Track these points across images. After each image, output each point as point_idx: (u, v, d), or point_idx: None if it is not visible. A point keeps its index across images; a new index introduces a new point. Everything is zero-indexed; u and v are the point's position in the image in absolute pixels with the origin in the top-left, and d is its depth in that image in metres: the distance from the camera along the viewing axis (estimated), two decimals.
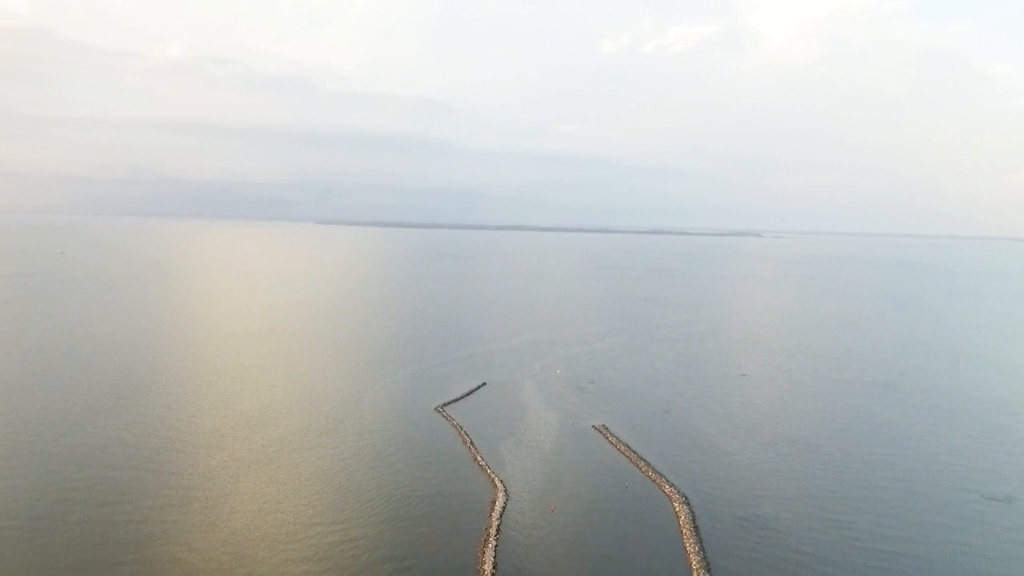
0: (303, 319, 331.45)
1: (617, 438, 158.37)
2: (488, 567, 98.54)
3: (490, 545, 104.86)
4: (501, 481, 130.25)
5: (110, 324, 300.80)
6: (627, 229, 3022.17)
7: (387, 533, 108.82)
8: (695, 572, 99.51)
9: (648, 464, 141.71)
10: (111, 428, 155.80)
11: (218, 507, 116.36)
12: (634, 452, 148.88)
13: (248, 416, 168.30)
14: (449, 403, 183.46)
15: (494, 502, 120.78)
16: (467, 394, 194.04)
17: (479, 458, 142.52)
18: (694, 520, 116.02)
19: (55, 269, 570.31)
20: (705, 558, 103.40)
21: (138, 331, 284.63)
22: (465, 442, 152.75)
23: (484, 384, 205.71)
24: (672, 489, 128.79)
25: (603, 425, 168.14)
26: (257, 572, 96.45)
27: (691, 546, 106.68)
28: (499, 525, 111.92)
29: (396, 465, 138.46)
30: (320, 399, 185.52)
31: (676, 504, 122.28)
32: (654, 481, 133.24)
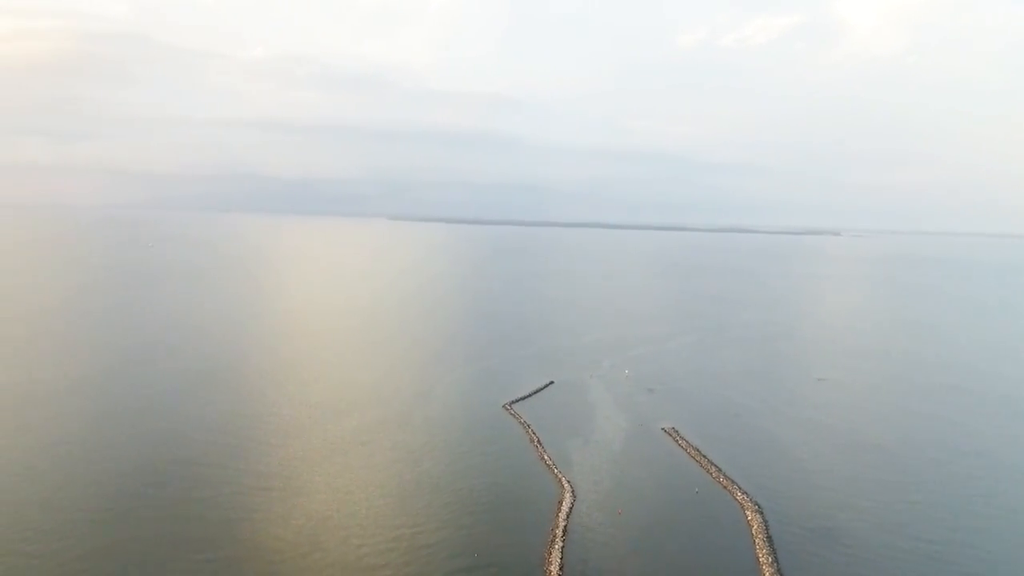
0: (375, 313, 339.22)
1: (687, 441, 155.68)
2: (555, 567, 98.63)
3: (556, 545, 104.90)
4: (568, 481, 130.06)
5: (196, 314, 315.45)
6: (698, 226, 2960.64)
7: (454, 527, 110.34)
8: None
9: (719, 469, 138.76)
10: (197, 414, 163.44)
11: (295, 495, 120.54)
12: (704, 457, 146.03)
13: (323, 407, 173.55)
14: (517, 401, 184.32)
15: (561, 502, 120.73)
16: (534, 392, 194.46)
17: (546, 457, 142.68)
18: (767, 529, 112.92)
19: (145, 261, 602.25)
20: (779, 570, 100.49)
21: (221, 322, 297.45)
22: (532, 440, 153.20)
23: (552, 383, 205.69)
24: (744, 496, 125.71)
25: (672, 428, 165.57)
26: (331, 560, 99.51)
27: (764, 557, 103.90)
28: (566, 526, 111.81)
29: (464, 461, 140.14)
30: (391, 392, 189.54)
31: (748, 512, 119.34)
32: (725, 487, 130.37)
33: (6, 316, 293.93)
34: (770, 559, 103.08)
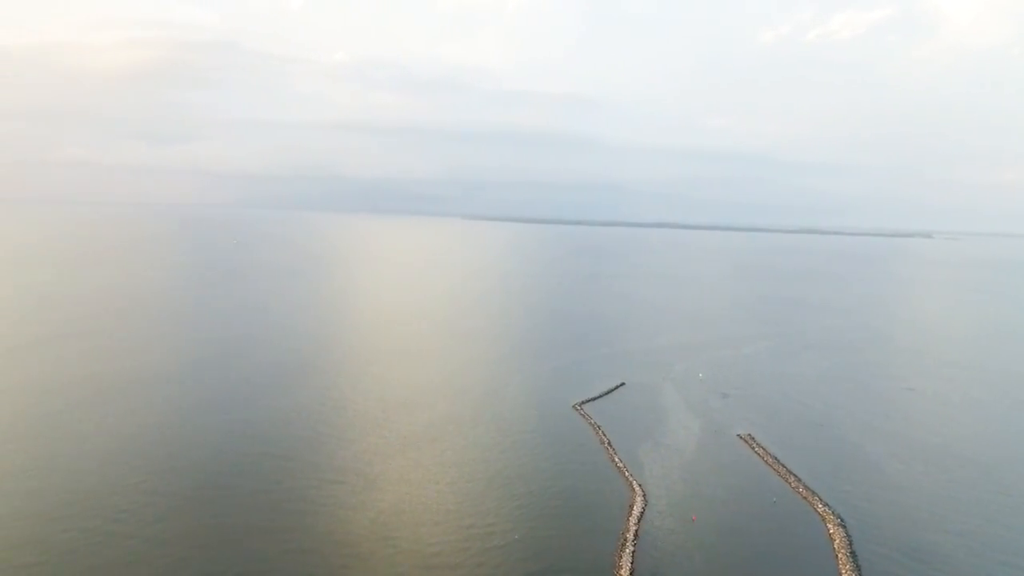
0: (448, 311, 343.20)
1: (765, 449, 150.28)
2: (625, 572, 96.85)
3: (627, 550, 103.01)
4: (639, 485, 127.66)
5: (278, 310, 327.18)
6: (780, 228, 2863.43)
7: (523, 527, 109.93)
8: None
9: (799, 480, 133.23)
10: (276, 405, 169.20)
11: (369, 487, 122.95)
12: (783, 465, 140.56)
13: (397, 402, 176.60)
14: (587, 401, 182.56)
15: (631, 506, 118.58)
16: (606, 393, 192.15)
17: (617, 460, 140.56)
18: (851, 545, 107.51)
19: (231, 259, 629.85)
20: None
21: (301, 317, 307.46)
22: (603, 442, 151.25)
23: (623, 384, 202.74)
24: (826, 509, 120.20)
25: (749, 435, 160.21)
26: (402, 554, 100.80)
27: (847, 573, 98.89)
28: (637, 530, 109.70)
29: (534, 460, 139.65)
30: (463, 389, 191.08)
31: (830, 525, 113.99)
32: (805, 499, 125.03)
33: (110, 309, 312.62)
34: None
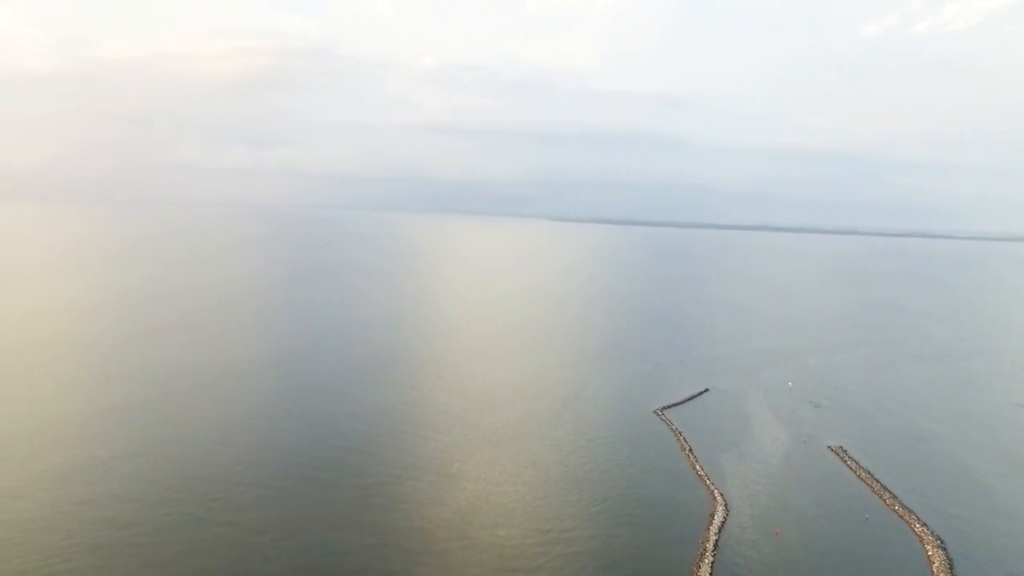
0: (531, 311, 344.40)
1: (857, 463, 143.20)
2: None
3: (707, 560, 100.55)
4: (721, 494, 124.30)
5: (367, 306, 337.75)
6: (878, 231, 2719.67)
7: (600, 531, 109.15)
8: None
9: (894, 497, 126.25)
10: (362, 399, 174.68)
11: (448, 484, 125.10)
12: (877, 481, 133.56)
13: (478, 400, 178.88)
14: (669, 407, 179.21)
15: (712, 515, 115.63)
16: (688, 399, 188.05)
17: (698, 467, 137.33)
18: (951, 568, 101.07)
19: (323, 257, 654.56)
20: None
21: (389, 314, 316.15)
22: (684, 449, 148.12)
23: (707, 390, 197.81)
24: (924, 529, 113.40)
25: (841, 447, 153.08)
26: (480, 552, 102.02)
27: None
28: (717, 540, 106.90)
29: (612, 464, 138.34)
30: (543, 389, 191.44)
31: (929, 547, 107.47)
32: (901, 517, 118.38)
33: (213, 303, 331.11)
34: None
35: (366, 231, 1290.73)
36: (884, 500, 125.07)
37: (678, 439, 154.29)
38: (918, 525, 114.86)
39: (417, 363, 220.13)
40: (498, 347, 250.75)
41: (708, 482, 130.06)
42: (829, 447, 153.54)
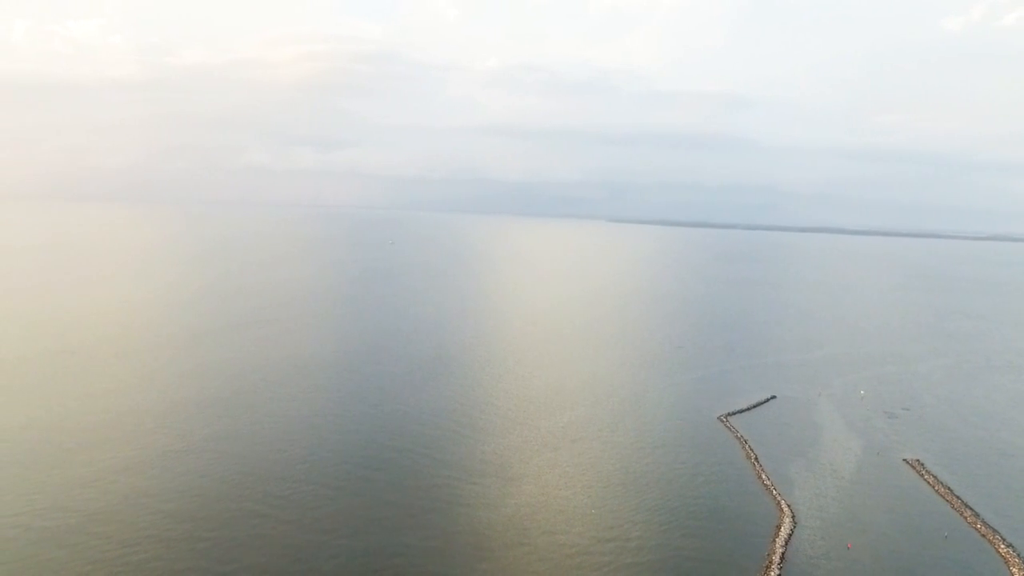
0: (592, 313, 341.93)
1: (935, 477, 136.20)
2: None
3: (772, 573, 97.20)
4: (788, 505, 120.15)
5: (427, 307, 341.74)
6: (961, 234, 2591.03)
7: (661, 539, 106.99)
8: None
9: (976, 514, 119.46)
10: (422, 399, 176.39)
11: (507, 485, 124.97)
12: (957, 497, 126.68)
13: (538, 402, 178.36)
14: (734, 413, 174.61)
15: (779, 527, 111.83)
16: (754, 406, 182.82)
17: (764, 477, 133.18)
18: None
19: (387, 258, 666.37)
20: None
21: (449, 314, 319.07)
22: (749, 457, 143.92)
23: (773, 397, 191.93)
24: (1010, 551, 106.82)
25: (917, 460, 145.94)
26: (536, 555, 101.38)
27: None
28: (784, 553, 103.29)
29: (674, 470, 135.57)
30: (604, 393, 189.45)
31: (1015, 569, 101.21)
32: (984, 536, 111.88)
33: (284, 301, 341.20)
34: None
35: (428, 232, 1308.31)
36: (965, 518, 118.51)
37: (743, 447, 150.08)
38: (1003, 546, 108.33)
39: (477, 364, 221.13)
40: (558, 349, 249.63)
41: (774, 492, 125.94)
42: (905, 460, 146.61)
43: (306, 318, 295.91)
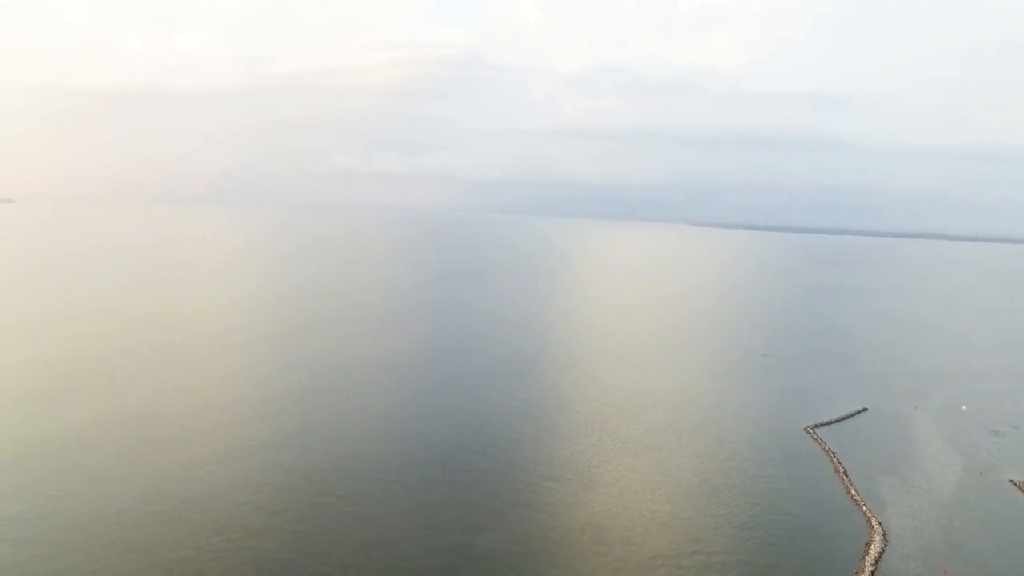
0: (673, 318, 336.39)
1: None
2: None
3: None
4: (879, 523, 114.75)
5: (507, 308, 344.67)
6: None
7: (742, 552, 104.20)
8: None
9: None
10: (503, 401, 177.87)
11: (584, 489, 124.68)
12: None
13: (617, 406, 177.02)
14: (821, 425, 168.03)
15: (868, 545, 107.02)
16: (844, 418, 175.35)
17: (853, 492, 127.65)
18: None
19: (468, 260, 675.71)
20: None
21: (530, 315, 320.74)
22: (837, 471, 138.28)
23: (865, 409, 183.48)
24: None
25: None
26: (612, 560, 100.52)
27: None
28: (873, 572, 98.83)
29: (758, 482, 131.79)
30: (684, 399, 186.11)
31: None
32: None
33: (369, 300, 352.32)
34: None
35: (508, 234, 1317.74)
36: None
37: (831, 460, 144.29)
38: None
39: (555, 367, 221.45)
40: (638, 354, 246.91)
41: (864, 508, 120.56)
42: (1011, 481, 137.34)
43: (389, 317, 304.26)
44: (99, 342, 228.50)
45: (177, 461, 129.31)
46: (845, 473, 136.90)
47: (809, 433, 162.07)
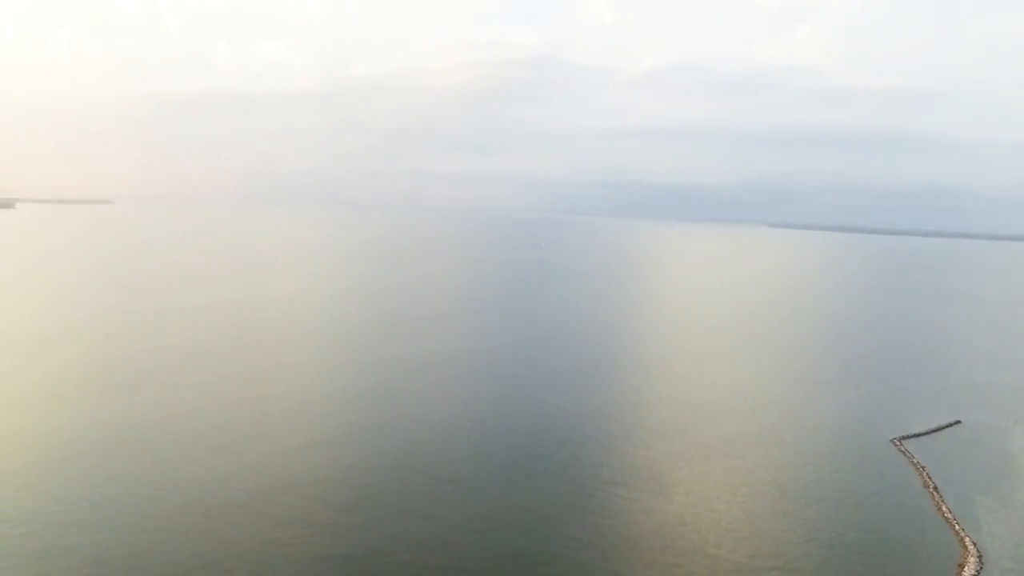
0: (753, 322, 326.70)
1: None
2: None
3: None
4: (974, 543, 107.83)
5: (580, 309, 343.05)
6: None
7: (826, 570, 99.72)
8: None
9: None
10: (576, 402, 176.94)
11: (655, 494, 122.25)
12: None
13: (690, 411, 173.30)
14: (909, 437, 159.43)
15: (962, 566, 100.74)
16: (934, 430, 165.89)
17: (944, 509, 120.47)
18: None
19: (539, 260, 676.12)
20: None
21: (605, 317, 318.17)
22: (927, 486, 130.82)
23: (958, 422, 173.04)
24: None
25: None
26: (686, 568, 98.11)
27: None
28: None
29: (840, 494, 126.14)
30: (763, 406, 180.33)
31: None
32: None
33: (438, 300, 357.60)
34: None
35: (579, 235, 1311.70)
36: None
37: (920, 474, 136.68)
38: None
39: (628, 369, 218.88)
40: (714, 359, 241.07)
41: (957, 527, 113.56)
42: None
43: (464, 316, 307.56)
44: (208, 332, 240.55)
45: (258, 451, 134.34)
46: (935, 489, 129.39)
47: (896, 445, 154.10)
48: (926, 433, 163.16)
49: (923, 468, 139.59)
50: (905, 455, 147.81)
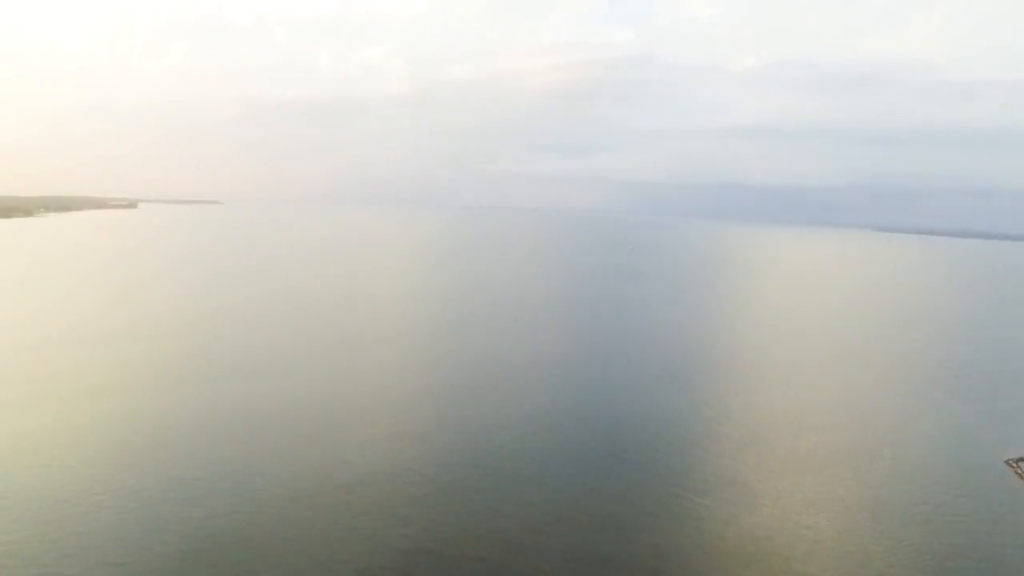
0: (856, 332, 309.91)
1: None
2: None
3: None
4: None
5: (668, 312, 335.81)
6: None
7: None
8: None
9: None
10: (658, 406, 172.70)
11: (739, 504, 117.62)
12: None
13: (780, 421, 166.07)
14: None
15: None
16: None
17: None
18: None
19: (628, 262, 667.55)
20: None
21: (691, 321, 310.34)
22: None
23: None
24: None
25: None
26: None
27: None
28: None
29: (943, 517, 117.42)
30: (860, 418, 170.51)
31: None
32: None
33: (525, 300, 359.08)
34: None
35: (669, 238, 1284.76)
36: None
37: None
38: None
39: (714, 375, 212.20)
40: (810, 368, 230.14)
41: None
42: None
43: (547, 316, 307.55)
44: (310, 324, 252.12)
45: (347, 443, 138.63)
46: None
47: (1012, 467, 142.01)
48: None
49: None
50: (1022, 477, 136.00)
